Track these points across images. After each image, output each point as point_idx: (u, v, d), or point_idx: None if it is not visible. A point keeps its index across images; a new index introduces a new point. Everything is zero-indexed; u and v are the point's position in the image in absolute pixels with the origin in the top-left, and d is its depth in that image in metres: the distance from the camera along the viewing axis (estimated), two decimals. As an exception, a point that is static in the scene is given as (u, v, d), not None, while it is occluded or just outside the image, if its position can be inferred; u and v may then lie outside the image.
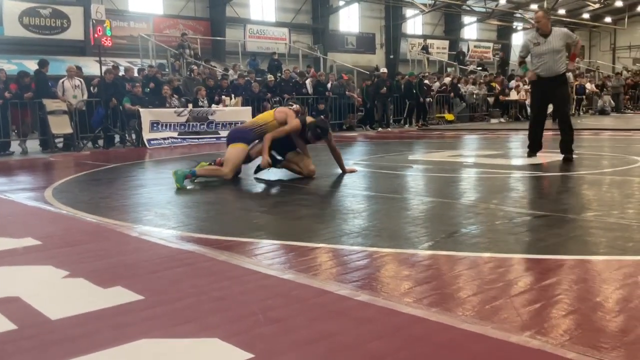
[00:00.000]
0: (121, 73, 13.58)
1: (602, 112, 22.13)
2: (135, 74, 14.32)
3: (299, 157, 6.19)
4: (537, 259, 2.77)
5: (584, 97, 22.43)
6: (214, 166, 6.06)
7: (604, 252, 2.89)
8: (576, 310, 2.08)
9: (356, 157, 6.79)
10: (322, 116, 14.48)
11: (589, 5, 35.72)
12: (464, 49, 31.54)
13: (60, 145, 12.09)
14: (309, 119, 6.36)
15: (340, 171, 6.36)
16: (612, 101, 22.84)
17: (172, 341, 1.86)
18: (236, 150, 5.99)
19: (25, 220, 4.23)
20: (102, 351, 1.80)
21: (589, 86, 23.04)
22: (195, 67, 15.08)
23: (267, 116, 6.34)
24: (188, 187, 5.54)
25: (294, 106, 6.80)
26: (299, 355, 1.73)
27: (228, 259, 2.88)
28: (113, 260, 2.91)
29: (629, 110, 23.81)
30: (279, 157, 6.24)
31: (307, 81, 16.39)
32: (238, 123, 13.48)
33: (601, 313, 2.04)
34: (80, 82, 12.28)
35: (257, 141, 6.19)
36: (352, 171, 6.41)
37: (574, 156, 6.86)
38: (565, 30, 7.33)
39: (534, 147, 7.31)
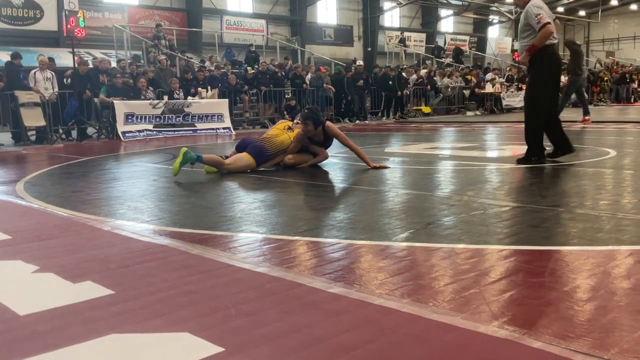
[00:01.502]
0: (91, 65, 13.37)
1: (576, 104, 22.42)
2: (113, 65, 14.15)
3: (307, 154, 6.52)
4: (509, 250, 2.80)
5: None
6: (219, 157, 6.16)
7: (574, 243, 2.93)
8: (544, 300, 2.11)
9: (333, 150, 6.79)
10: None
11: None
12: (440, 43, 31.69)
13: (33, 138, 11.89)
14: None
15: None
16: (585, 94, 23.13)
17: (142, 336, 1.85)
18: (247, 160, 6.09)
19: (-5, 215, 4.16)
20: (71, 346, 1.78)
21: (564, 79, 23.26)
22: (164, 58, 14.88)
23: (284, 141, 6.36)
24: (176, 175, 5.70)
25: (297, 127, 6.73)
26: (270, 348, 1.73)
27: (201, 252, 2.87)
28: (84, 255, 2.88)
29: (602, 103, 24.17)
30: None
31: (308, 76, 16.50)
32: (215, 116, 13.43)
33: (569, 303, 2.08)
34: (52, 74, 12.08)
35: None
36: (383, 167, 6.07)
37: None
38: (529, 8, 5.83)
39: (554, 146, 6.17)
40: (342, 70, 17.66)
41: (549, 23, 5.72)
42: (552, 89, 6.04)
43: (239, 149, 6.35)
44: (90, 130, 12.60)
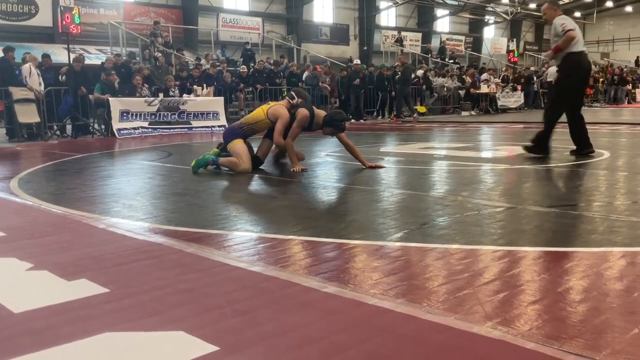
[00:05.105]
0: (92, 62, 13.31)
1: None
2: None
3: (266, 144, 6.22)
4: (503, 251, 2.82)
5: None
6: (235, 159, 5.93)
7: (567, 244, 2.95)
8: (538, 301, 2.13)
9: (328, 149, 6.79)
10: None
11: (559, 0, 36.23)
12: (436, 42, 31.75)
13: (26, 134, 11.84)
14: (318, 111, 6.27)
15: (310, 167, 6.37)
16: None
17: (136, 334, 1.85)
18: (238, 146, 5.92)
19: (-11, 212, 4.14)
20: (65, 344, 1.78)
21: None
22: (160, 55, 14.82)
23: (258, 114, 6.12)
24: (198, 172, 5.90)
25: (295, 100, 6.20)
26: (264, 348, 1.74)
27: (196, 251, 2.87)
28: (78, 253, 2.87)
29: (596, 104, 24.30)
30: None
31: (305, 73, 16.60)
32: (210, 113, 13.41)
33: (562, 304, 2.09)
34: (38, 72, 11.94)
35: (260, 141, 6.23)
36: (378, 167, 6.02)
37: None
38: (556, 20, 6.83)
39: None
40: (386, 66, 17.86)
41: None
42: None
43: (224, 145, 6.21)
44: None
